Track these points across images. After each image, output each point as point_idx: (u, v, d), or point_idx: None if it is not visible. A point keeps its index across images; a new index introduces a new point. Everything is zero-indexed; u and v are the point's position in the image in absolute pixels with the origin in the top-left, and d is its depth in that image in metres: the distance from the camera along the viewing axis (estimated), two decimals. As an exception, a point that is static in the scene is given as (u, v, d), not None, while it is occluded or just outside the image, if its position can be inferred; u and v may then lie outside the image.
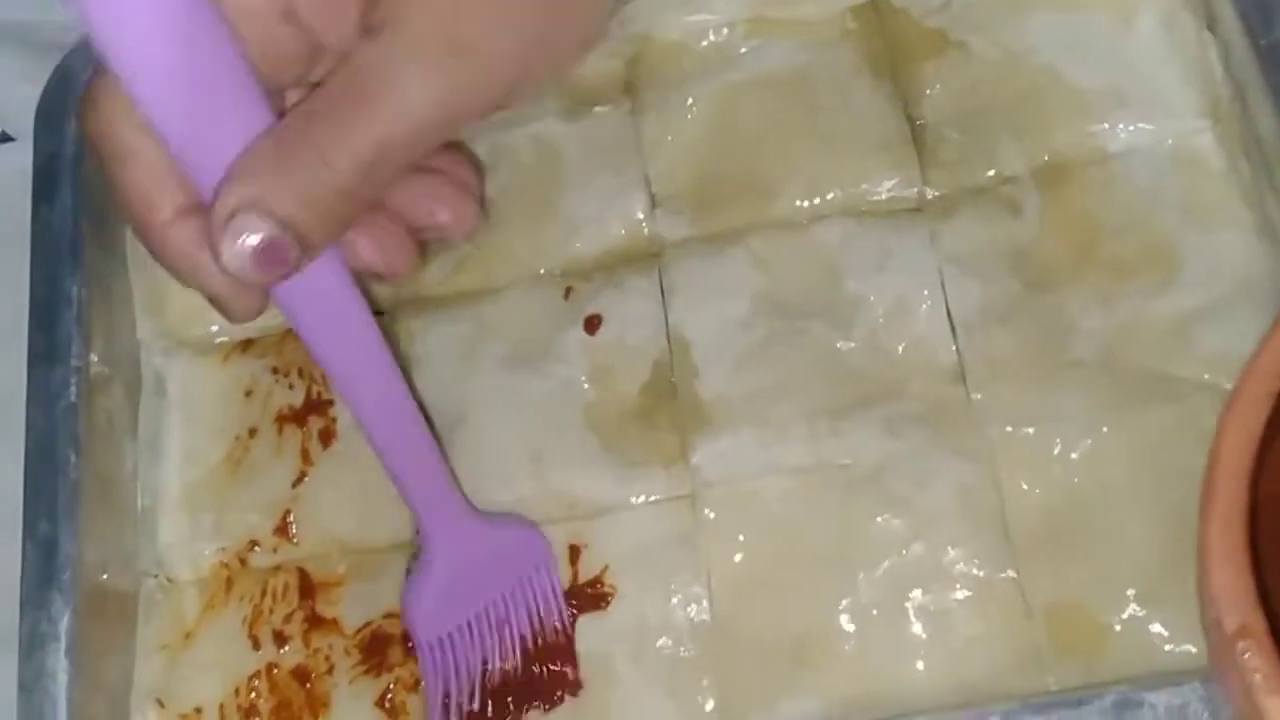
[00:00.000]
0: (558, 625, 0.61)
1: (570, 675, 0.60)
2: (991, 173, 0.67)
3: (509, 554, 0.61)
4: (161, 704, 0.63)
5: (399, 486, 0.57)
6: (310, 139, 0.44)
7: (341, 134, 0.44)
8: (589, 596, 0.62)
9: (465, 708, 0.60)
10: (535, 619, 0.61)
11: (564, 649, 0.61)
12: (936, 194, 0.67)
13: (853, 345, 0.65)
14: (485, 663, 0.60)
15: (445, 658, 0.60)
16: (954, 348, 0.64)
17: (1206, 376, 0.60)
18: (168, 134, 0.43)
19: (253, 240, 0.43)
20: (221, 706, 0.63)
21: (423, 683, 0.61)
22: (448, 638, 0.60)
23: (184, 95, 0.42)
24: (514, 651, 0.61)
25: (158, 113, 0.43)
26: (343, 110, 0.44)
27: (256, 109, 0.45)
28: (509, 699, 0.60)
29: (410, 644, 0.62)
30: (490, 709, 0.60)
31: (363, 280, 0.69)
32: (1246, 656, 0.41)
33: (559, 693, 0.60)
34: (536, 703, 0.60)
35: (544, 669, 0.61)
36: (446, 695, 0.60)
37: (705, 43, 0.72)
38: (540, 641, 0.61)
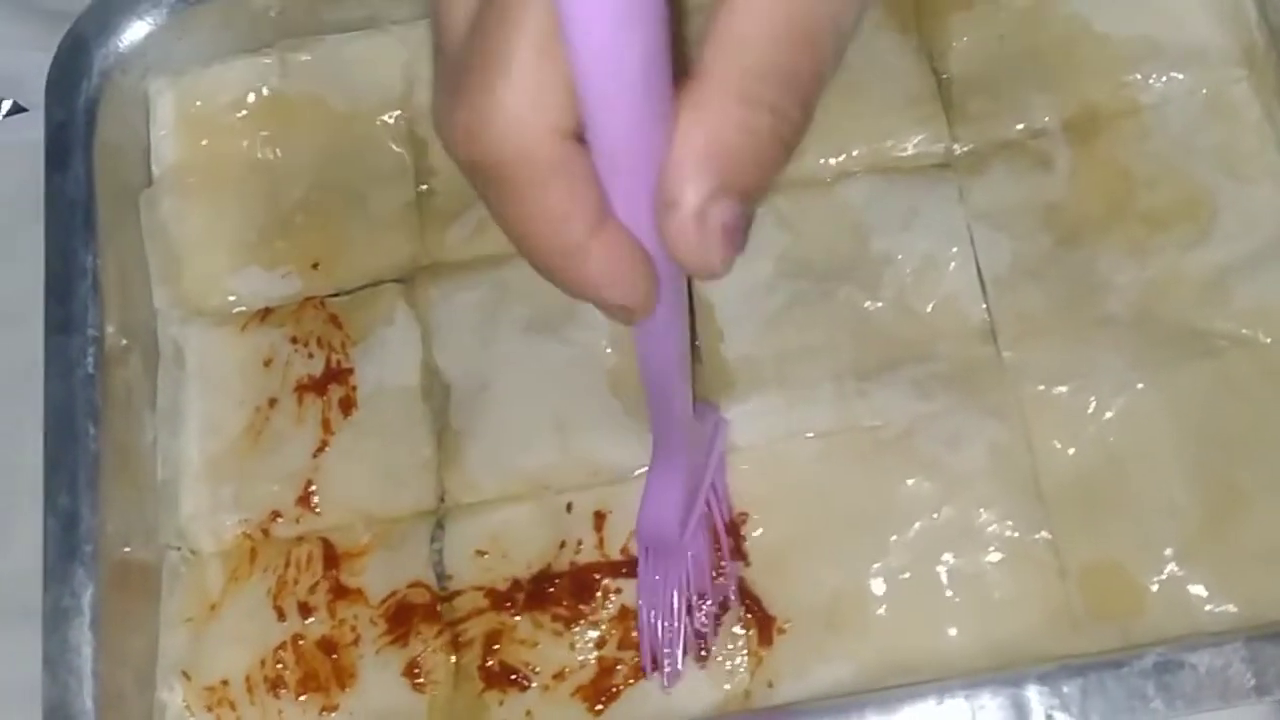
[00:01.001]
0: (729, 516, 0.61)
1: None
2: (1021, 126, 0.65)
3: (705, 439, 0.60)
4: (187, 676, 0.62)
5: (655, 408, 0.53)
6: (758, 98, 0.39)
7: (785, 80, 0.39)
8: (616, 564, 0.61)
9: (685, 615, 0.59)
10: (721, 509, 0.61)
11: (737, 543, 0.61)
12: (964, 149, 0.66)
13: (880, 305, 0.63)
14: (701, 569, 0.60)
15: (678, 567, 0.58)
16: (984, 306, 0.62)
17: (1244, 331, 0.59)
18: (611, 135, 0.37)
19: (725, 220, 0.38)
20: (248, 678, 0.62)
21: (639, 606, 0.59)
22: (684, 547, 0.58)
23: (638, 87, 0.36)
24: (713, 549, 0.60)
25: (609, 111, 0.36)
26: (778, 54, 0.39)
27: (670, 90, 0.38)
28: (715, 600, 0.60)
29: (438, 608, 0.62)
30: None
31: (394, 248, 0.69)
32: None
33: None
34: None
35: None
36: (672, 608, 0.59)
37: (726, 0, 0.71)
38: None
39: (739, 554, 0.60)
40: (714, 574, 0.60)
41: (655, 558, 0.58)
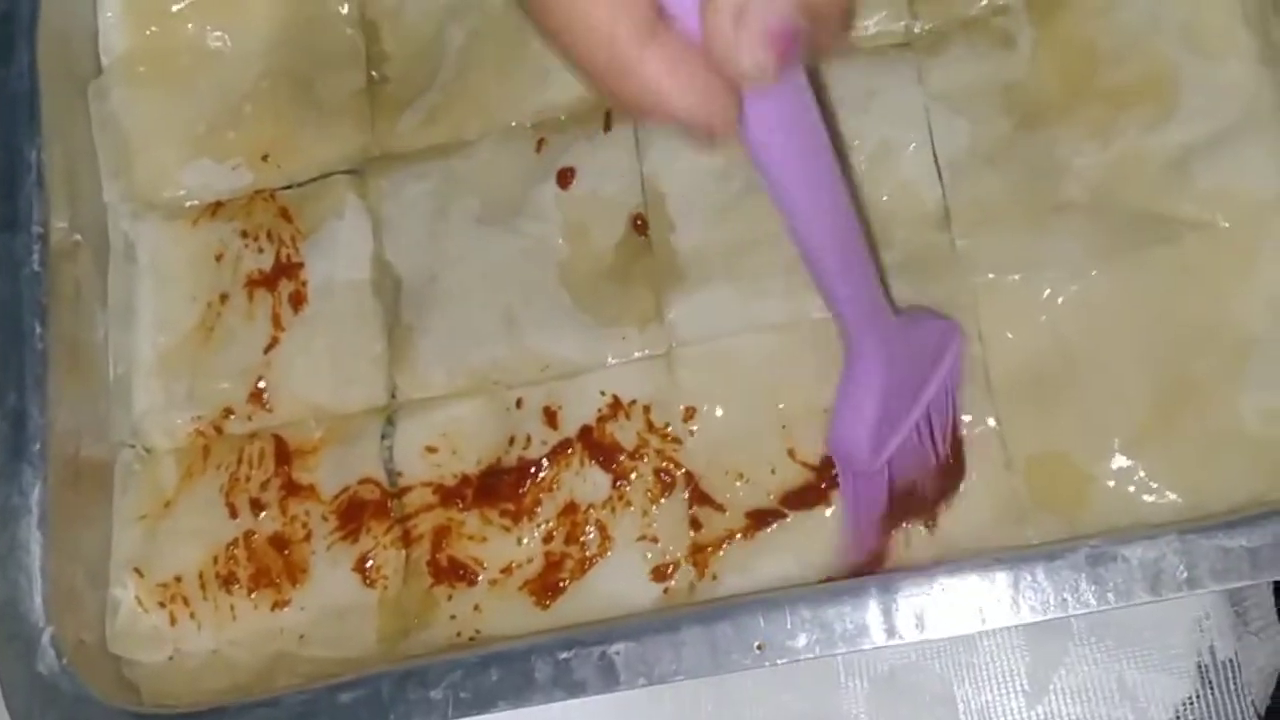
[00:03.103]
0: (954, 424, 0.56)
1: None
2: (984, 2, 0.63)
3: (928, 352, 0.55)
4: (140, 573, 0.63)
5: (836, 308, 0.51)
6: None
7: None
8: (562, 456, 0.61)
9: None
10: (946, 421, 0.56)
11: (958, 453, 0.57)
12: (925, 27, 0.63)
13: (835, 192, 0.62)
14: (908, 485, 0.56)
15: (877, 485, 0.55)
16: (940, 192, 0.61)
17: (1203, 215, 0.57)
18: None
19: (767, 22, 0.38)
20: (200, 574, 0.63)
21: (844, 509, 0.57)
22: (883, 468, 0.55)
23: None
24: (933, 458, 0.56)
25: None
26: None
27: None
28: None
29: (388, 505, 0.62)
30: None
31: (345, 137, 0.68)
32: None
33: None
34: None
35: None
36: (870, 523, 0.56)
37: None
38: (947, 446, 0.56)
39: (953, 481, 0.57)
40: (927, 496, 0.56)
41: (852, 477, 0.55)
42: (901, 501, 0.56)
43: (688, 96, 0.39)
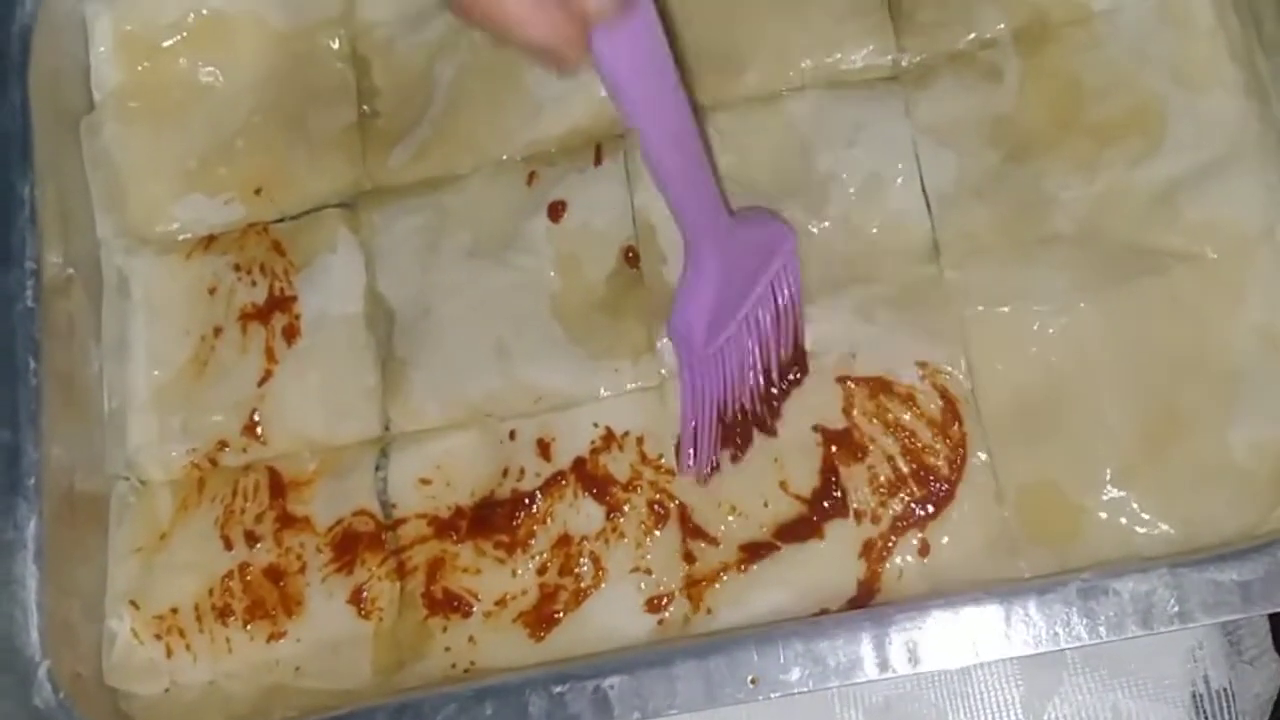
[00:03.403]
0: (793, 330, 0.60)
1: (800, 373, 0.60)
2: (971, 36, 0.63)
3: (760, 250, 0.59)
4: (136, 606, 0.63)
5: (677, 213, 0.55)
6: None
7: None
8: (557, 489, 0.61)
9: (722, 422, 0.59)
10: (781, 322, 0.60)
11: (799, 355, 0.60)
12: (913, 61, 0.64)
13: (826, 225, 0.62)
14: (743, 375, 0.59)
15: (713, 373, 0.58)
16: (929, 224, 0.61)
17: (1191, 247, 0.58)
18: None
19: None
20: (196, 607, 0.63)
21: (681, 402, 0.59)
22: (717, 353, 0.58)
23: None
24: (767, 359, 0.59)
25: None
26: None
27: None
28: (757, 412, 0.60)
29: (382, 537, 0.62)
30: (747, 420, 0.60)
31: (337, 171, 0.68)
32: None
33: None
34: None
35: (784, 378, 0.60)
36: (708, 412, 0.59)
37: (670, -98, 0.69)
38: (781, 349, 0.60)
39: (796, 370, 0.60)
40: (766, 387, 0.59)
41: (689, 363, 0.58)
42: (739, 416, 0.59)
43: (542, 27, 0.46)
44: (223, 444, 0.66)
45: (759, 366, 0.59)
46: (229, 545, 0.64)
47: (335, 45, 0.71)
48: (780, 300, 0.59)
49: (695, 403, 0.58)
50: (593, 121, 0.66)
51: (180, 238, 0.70)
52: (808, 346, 0.61)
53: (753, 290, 0.58)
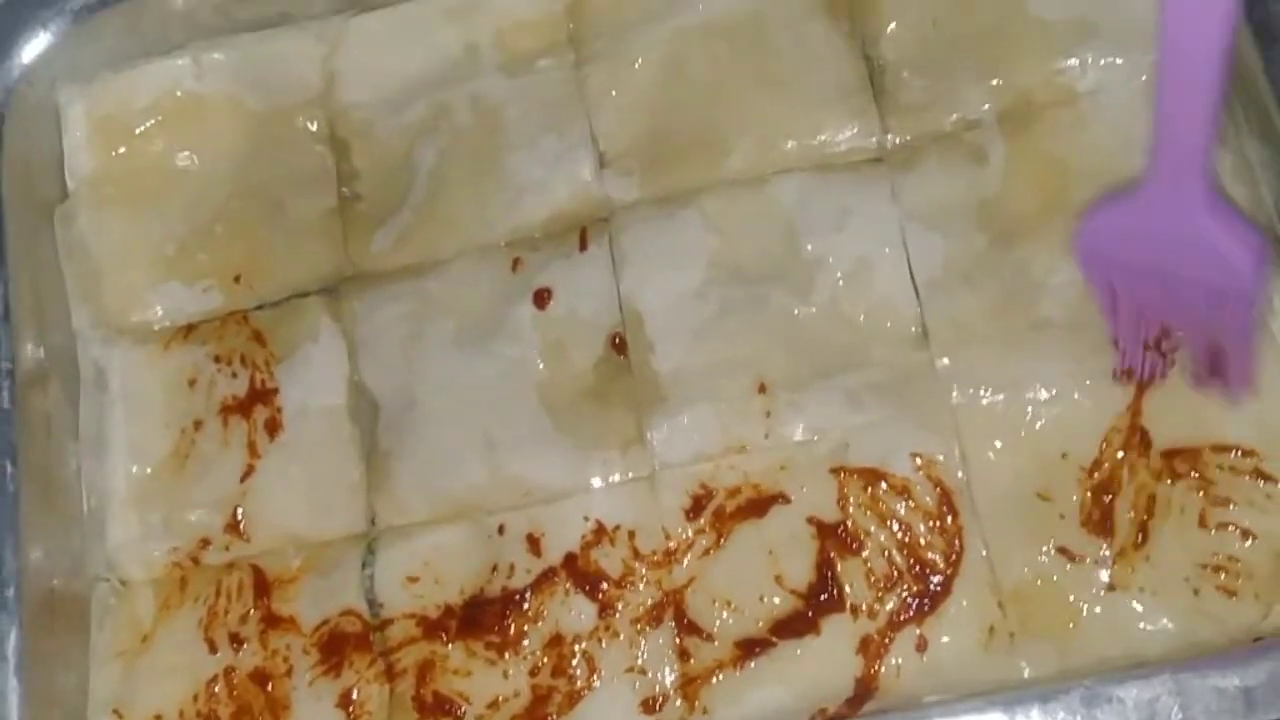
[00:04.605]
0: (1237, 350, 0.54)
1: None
2: (955, 117, 0.63)
3: (1214, 255, 0.52)
4: (120, 714, 0.62)
5: (1165, 128, 0.50)
6: None
7: None
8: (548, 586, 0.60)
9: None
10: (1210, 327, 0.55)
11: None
12: (897, 142, 0.64)
13: (813, 311, 0.62)
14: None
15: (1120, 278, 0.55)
16: (918, 310, 0.61)
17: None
18: None
19: None
20: (181, 713, 0.62)
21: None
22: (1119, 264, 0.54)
23: None
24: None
25: None
26: None
27: None
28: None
29: (370, 638, 0.61)
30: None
31: (317, 257, 0.67)
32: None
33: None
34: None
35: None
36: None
37: (651, -17, 0.68)
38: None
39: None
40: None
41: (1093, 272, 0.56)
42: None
43: None
44: (205, 542, 0.64)
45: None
46: (213, 648, 0.62)
47: (314, 127, 0.70)
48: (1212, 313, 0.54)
49: (1114, 317, 0.56)
50: (577, 205, 0.66)
51: (158, 327, 0.68)
52: (797, 437, 0.60)
53: (1187, 272, 0.53)
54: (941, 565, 0.57)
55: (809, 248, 0.63)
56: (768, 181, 0.64)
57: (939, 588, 0.57)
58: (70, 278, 0.69)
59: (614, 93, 0.67)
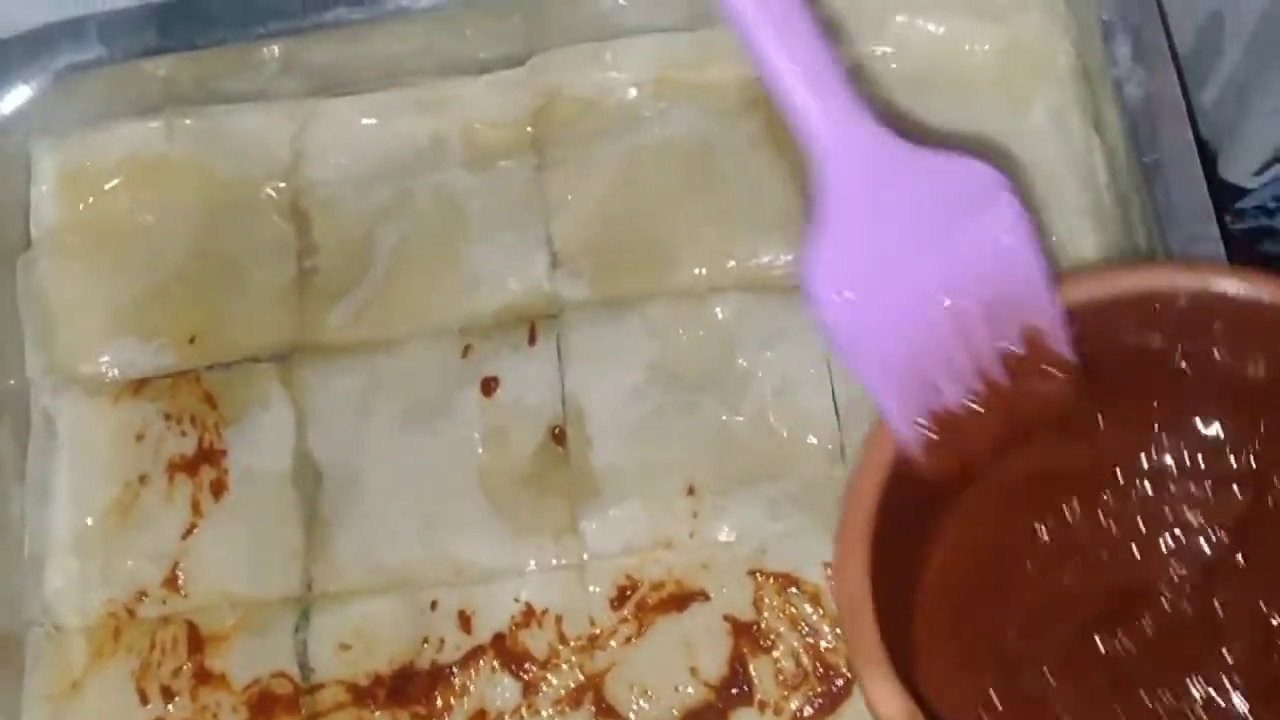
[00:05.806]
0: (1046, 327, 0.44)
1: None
2: (882, 253, 0.69)
3: (946, 200, 0.43)
4: (47, 759, 0.63)
5: (787, 107, 0.44)
6: None
7: None
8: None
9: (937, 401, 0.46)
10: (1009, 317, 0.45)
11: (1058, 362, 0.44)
12: (829, 271, 0.69)
13: (741, 420, 0.66)
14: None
15: (860, 320, 0.45)
16: (836, 428, 0.66)
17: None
18: None
19: None
20: (109, 761, 0.64)
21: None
22: (861, 298, 0.45)
23: None
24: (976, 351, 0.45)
25: None
26: None
27: None
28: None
29: (299, 701, 0.64)
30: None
31: (273, 325, 0.70)
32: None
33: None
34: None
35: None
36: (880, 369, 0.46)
37: (613, 101, 0.73)
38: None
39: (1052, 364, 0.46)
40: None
41: (825, 318, 0.46)
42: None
43: None
44: (142, 594, 0.66)
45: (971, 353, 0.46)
46: (145, 699, 0.64)
47: (277, 199, 0.73)
48: (990, 268, 0.44)
49: (870, 380, 0.47)
50: (528, 300, 0.70)
51: (109, 379, 0.70)
52: (721, 538, 0.64)
53: (937, 251, 0.44)
54: (844, 669, 0.62)
55: (741, 362, 0.67)
56: (708, 296, 0.69)
57: (840, 690, 0.62)
58: (27, 325, 0.71)
59: (570, 198, 0.71)
